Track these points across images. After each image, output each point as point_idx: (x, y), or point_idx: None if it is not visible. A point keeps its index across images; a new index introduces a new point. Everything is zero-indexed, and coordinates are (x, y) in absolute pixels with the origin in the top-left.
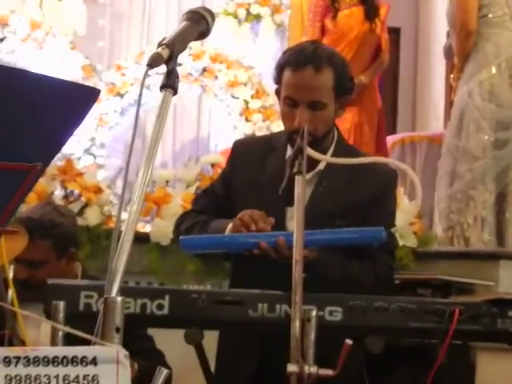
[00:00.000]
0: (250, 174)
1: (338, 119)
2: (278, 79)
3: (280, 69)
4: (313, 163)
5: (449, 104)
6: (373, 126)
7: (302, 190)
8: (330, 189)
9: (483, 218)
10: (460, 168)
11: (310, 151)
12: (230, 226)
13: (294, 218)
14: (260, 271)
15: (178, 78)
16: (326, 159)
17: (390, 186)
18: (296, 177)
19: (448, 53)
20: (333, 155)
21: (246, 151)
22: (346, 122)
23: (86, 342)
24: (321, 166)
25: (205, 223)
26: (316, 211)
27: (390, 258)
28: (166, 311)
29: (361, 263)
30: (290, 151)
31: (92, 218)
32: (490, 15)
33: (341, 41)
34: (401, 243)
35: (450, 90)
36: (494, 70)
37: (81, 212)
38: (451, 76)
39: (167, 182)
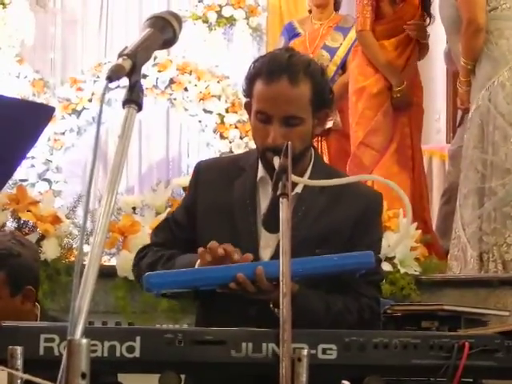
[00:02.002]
0: (217, 198)
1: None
2: (249, 91)
3: (251, 80)
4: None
5: (452, 113)
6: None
7: (287, 214)
8: (309, 214)
9: None
10: (490, 184)
11: (293, 177)
12: (199, 260)
13: (280, 246)
14: (231, 309)
15: (142, 91)
16: (305, 182)
17: (374, 210)
18: (281, 199)
19: (448, 57)
20: (310, 177)
21: (211, 173)
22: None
23: None
24: (298, 189)
25: (169, 258)
26: (294, 239)
27: (375, 292)
28: (137, 354)
29: (344, 298)
30: (261, 171)
31: (50, 251)
32: (500, 8)
33: (399, 31)
34: (402, 271)
35: (453, 98)
36: None
37: (37, 245)
38: (460, 80)
39: (134, 209)
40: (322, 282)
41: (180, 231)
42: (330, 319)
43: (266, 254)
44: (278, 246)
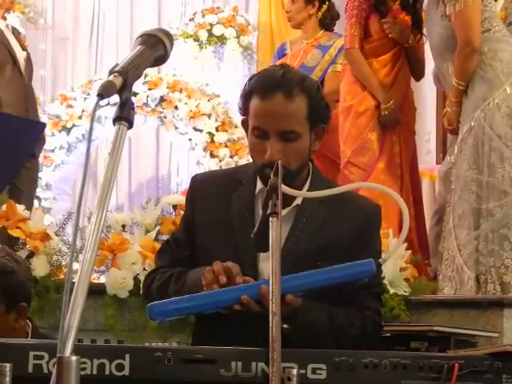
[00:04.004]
0: (215, 212)
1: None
2: (245, 109)
3: (246, 97)
4: (288, 198)
5: (442, 134)
6: (409, 152)
7: (277, 234)
8: (310, 226)
9: None
10: (487, 205)
11: (284, 188)
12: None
13: (270, 265)
14: (231, 326)
15: (133, 109)
16: (302, 195)
17: (374, 222)
18: (270, 219)
19: (437, 78)
20: (309, 190)
21: (208, 187)
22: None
23: None
24: (298, 201)
25: (178, 277)
26: (295, 252)
27: (377, 304)
28: (126, 372)
29: (347, 311)
30: (259, 186)
31: (39, 268)
32: (492, 30)
33: (387, 48)
34: (391, 291)
35: (443, 120)
36: (508, 90)
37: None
38: (450, 100)
39: (123, 226)
40: (324, 295)
41: (182, 250)
42: (333, 332)
43: (265, 266)
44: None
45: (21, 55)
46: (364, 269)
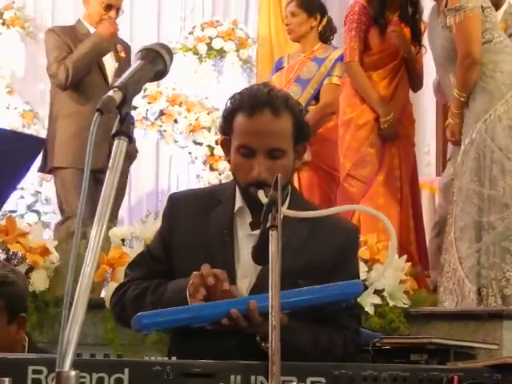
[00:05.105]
0: (193, 230)
1: None
2: (228, 128)
3: (229, 116)
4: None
5: (442, 146)
6: (409, 165)
7: (277, 247)
8: (290, 246)
9: None
10: (489, 218)
11: (284, 209)
12: (190, 281)
13: (270, 279)
14: (211, 341)
15: (132, 123)
16: (300, 215)
17: (352, 244)
18: (270, 232)
19: (438, 90)
20: (289, 209)
21: (186, 205)
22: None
23: None
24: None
25: (156, 287)
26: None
27: (356, 324)
28: None
29: (330, 332)
30: (239, 204)
31: (38, 282)
32: (494, 41)
33: (386, 62)
34: (391, 304)
35: (443, 130)
36: (510, 101)
37: (25, 276)
38: (452, 111)
39: (123, 240)
40: (305, 313)
41: (157, 265)
42: (316, 353)
43: (243, 284)
44: (256, 277)
45: (111, 66)
46: (354, 290)
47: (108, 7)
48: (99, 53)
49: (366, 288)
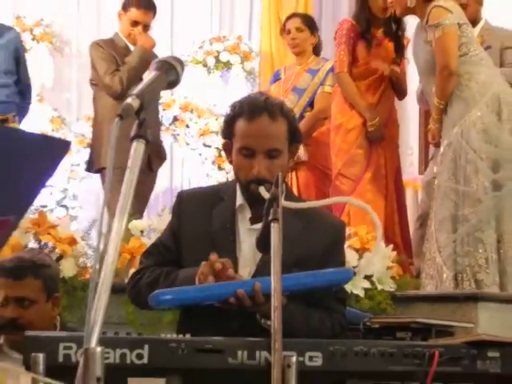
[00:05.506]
0: (198, 224)
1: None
2: (229, 132)
3: (231, 121)
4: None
5: (424, 148)
6: (393, 164)
7: (277, 237)
8: (286, 238)
9: (493, 259)
10: (463, 211)
11: (283, 201)
12: (199, 270)
13: (272, 264)
14: (216, 321)
15: (149, 127)
16: (299, 205)
17: (339, 237)
18: (272, 224)
19: (420, 98)
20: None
21: (192, 203)
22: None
23: None
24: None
25: (168, 274)
26: (266, 267)
27: (343, 308)
28: (145, 360)
29: (320, 314)
30: (240, 200)
31: (67, 269)
32: (470, 54)
33: (373, 71)
34: (379, 288)
35: (424, 134)
36: (482, 108)
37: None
38: (433, 117)
39: (142, 232)
40: (300, 299)
41: (169, 254)
42: (308, 333)
43: (244, 272)
44: (256, 265)
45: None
46: (345, 275)
47: (135, 23)
48: (145, 65)
49: (354, 274)
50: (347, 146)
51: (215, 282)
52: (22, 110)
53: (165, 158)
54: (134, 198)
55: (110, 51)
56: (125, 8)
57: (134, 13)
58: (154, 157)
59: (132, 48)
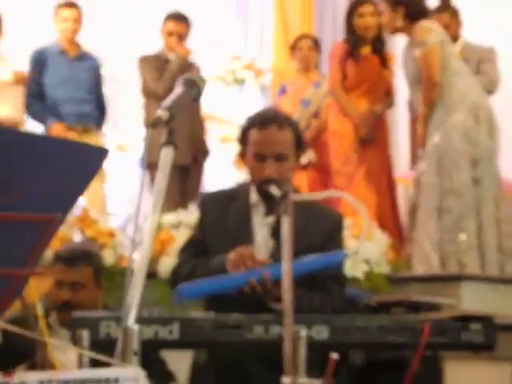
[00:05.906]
0: (218, 219)
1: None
2: (244, 140)
3: (246, 131)
4: (273, 207)
5: (412, 148)
6: (383, 163)
7: (287, 228)
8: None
9: (474, 245)
10: (448, 203)
11: (294, 196)
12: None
13: (283, 253)
14: (235, 309)
15: (177, 135)
16: (306, 197)
17: (337, 229)
18: (283, 217)
19: (411, 105)
20: None
21: (213, 202)
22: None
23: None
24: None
25: (202, 263)
26: (279, 255)
27: (342, 290)
28: (175, 336)
29: (321, 296)
30: (253, 197)
31: (107, 258)
32: (450, 66)
33: (363, 82)
34: (376, 270)
35: (413, 136)
36: (462, 113)
37: None
38: (420, 121)
39: (172, 225)
40: (304, 282)
41: (202, 245)
42: (311, 312)
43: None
44: (269, 255)
45: None
46: (338, 257)
47: (169, 34)
48: (183, 72)
49: (342, 270)
50: (343, 149)
51: (244, 267)
52: (100, 122)
53: (208, 153)
54: (180, 194)
55: (154, 61)
56: (164, 22)
57: (169, 24)
58: (199, 151)
59: (170, 57)
